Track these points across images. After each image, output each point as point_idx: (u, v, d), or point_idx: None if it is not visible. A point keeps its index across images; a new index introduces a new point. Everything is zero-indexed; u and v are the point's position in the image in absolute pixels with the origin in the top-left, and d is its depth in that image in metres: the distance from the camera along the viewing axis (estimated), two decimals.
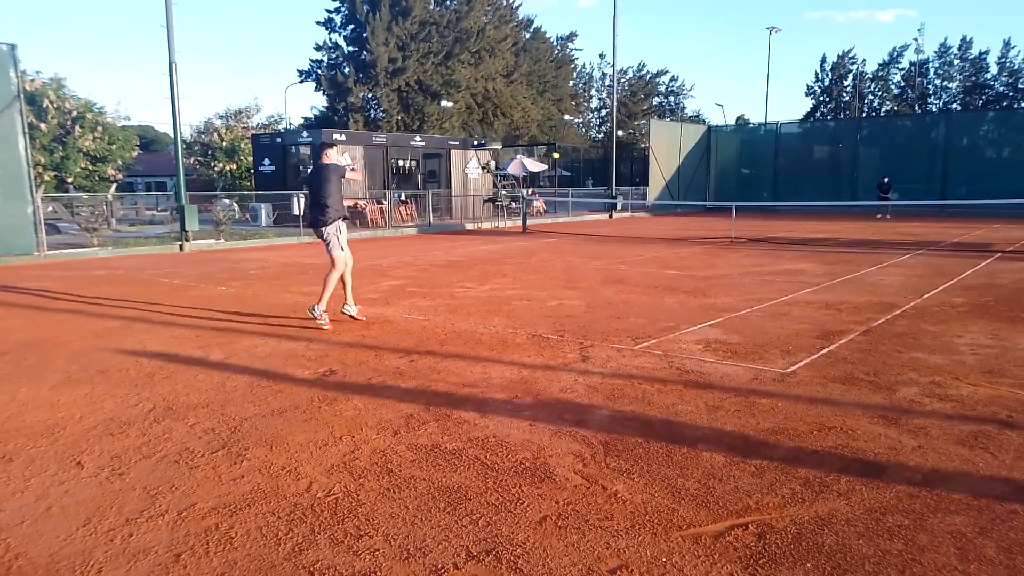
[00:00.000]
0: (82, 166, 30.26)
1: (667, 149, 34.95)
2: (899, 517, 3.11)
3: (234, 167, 36.11)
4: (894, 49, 59.04)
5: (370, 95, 41.59)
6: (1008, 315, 7.62)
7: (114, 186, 31.29)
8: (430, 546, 2.90)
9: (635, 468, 3.67)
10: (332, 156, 7.57)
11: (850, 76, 58.25)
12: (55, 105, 28.93)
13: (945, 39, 60.96)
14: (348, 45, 42.07)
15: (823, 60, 59.34)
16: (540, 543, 2.92)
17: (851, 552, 2.82)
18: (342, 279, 7.50)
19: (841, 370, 5.45)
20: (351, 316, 7.57)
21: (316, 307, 7.29)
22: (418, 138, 26.85)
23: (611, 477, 3.57)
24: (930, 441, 4.00)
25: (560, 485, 3.48)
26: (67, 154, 29.49)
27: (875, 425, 4.26)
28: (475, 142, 28.30)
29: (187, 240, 16.53)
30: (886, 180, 27.03)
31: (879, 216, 27.03)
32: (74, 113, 29.80)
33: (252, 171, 28.46)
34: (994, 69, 53.64)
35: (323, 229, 7.33)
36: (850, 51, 59.43)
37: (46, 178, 28.38)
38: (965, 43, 54.45)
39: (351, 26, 41.65)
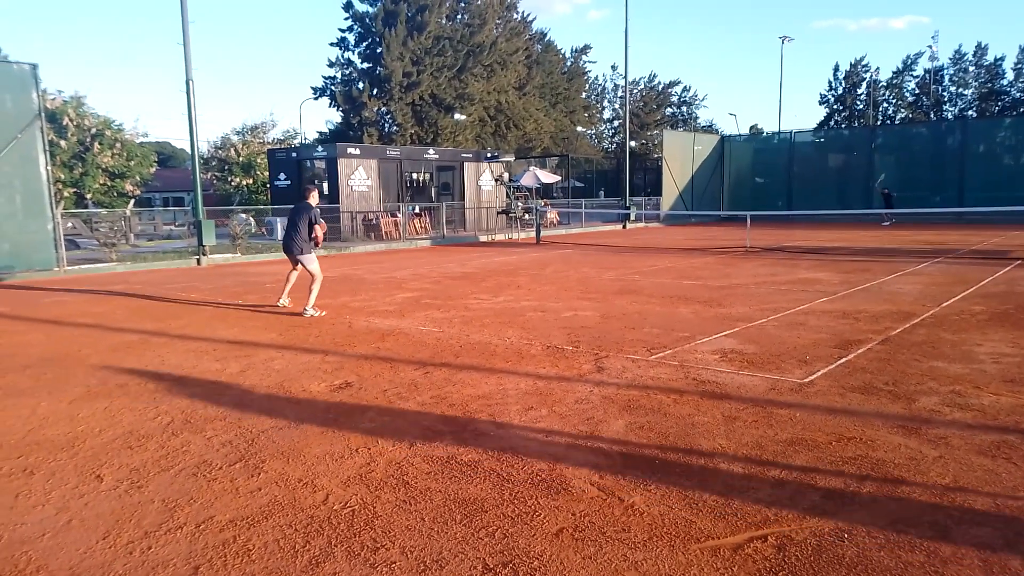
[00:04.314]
0: (101, 182, 30.65)
1: (680, 159, 34.89)
2: (921, 528, 3.06)
3: (250, 182, 36.44)
4: (908, 56, 58.75)
5: (384, 109, 41.91)
6: None
7: (132, 202, 31.64)
8: (447, 558, 2.90)
9: (652, 480, 3.65)
10: (314, 198, 9.31)
11: (864, 84, 57.96)
12: (75, 123, 29.35)
13: (960, 46, 60.65)
14: (362, 61, 42.45)
15: (836, 68, 58.91)
16: (557, 556, 2.91)
17: (872, 564, 2.79)
18: (288, 278, 9.61)
19: (859, 380, 5.40)
20: (283, 306, 9.46)
21: (308, 308, 8.94)
22: (432, 151, 26.99)
23: (628, 489, 3.55)
24: (951, 451, 3.95)
25: (576, 497, 3.47)
26: (86, 170, 29.89)
27: (895, 435, 4.21)
28: (488, 154, 28.40)
29: (204, 254, 16.67)
30: (888, 191, 27.47)
31: (886, 224, 26.93)
32: (93, 130, 30.22)
33: (268, 185, 28.72)
34: (1010, 75, 53.18)
35: (300, 257, 9.20)
36: (863, 59, 59.23)
37: (66, 194, 28.77)
38: (980, 49, 54.07)
39: (365, 43, 42.04)
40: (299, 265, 9.31)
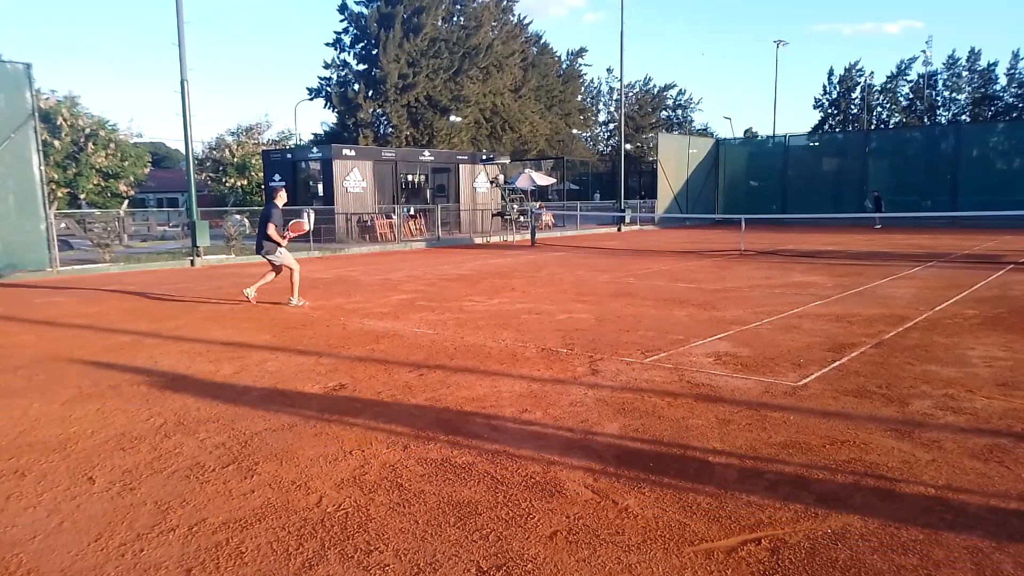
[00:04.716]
0: (95, 182, 30.52)
1: (675, 162, 34.95)
2: (914, 532, 3.07)
3: (245, 183, 36.37)
4: (902, 61, 58.91)
5: (380, 111, 41.86)
6: (1022, 327, 7.55)
7: (126, 202, 31.55)
8: (440, 561, 2.89)
9: (646, 482, 3.65)
10: (279, 199, 10.01)
11: (858, 88, 58.18)
12: (69, 123, 29.22)
13: (953, 51, 61.02)
14: (357, 63, 42.39)
15: (831, 73, 59.07)
16: (551, 558, 2.90)
17: (865, 567, 2.79)
18: (263, 275, 10.10)
19: (853, 383, 5.42)
20: (246, 296, 9.86)
21: (292, 299, 9.70)
22: (427, 153, 26.98)
23: (622, 491, 3.55)
24: (944, 455, 3.96)
25: (570, 500, 3.46)
26: (80, 171, 29.77)
27: (888, 439, 4.22)
28: (483, 156, 28.41)
29: (198, 255, 16.63)
30: (876, 193, 28.58)
31: (877, 226, 27.51)
32: (87, 130, 30.10)
33: (263, 187, 28.66)
34: (1003, 80, 53.44)
35: (267, 256, 9.85)
36: (857, 63, 59.38)
37: (59, 194, 28.65)
38: (973, 54, 54.32)
39: (360, 44, 42.00)
40: (274, 264, 9.93)
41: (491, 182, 27.61)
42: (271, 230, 9.63)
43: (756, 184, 37.86)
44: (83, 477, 3.84)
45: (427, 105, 41.95)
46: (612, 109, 65.68)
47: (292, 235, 9.93)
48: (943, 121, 53.33)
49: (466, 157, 27.51)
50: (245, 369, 6.19)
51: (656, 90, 65.23)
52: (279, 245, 9.73)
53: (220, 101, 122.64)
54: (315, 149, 25.88)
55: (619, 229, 29.59)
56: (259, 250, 9.87)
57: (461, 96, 42.41)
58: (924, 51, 68.43)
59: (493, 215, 27.06)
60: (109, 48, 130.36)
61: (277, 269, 10.00)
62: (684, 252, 18.39)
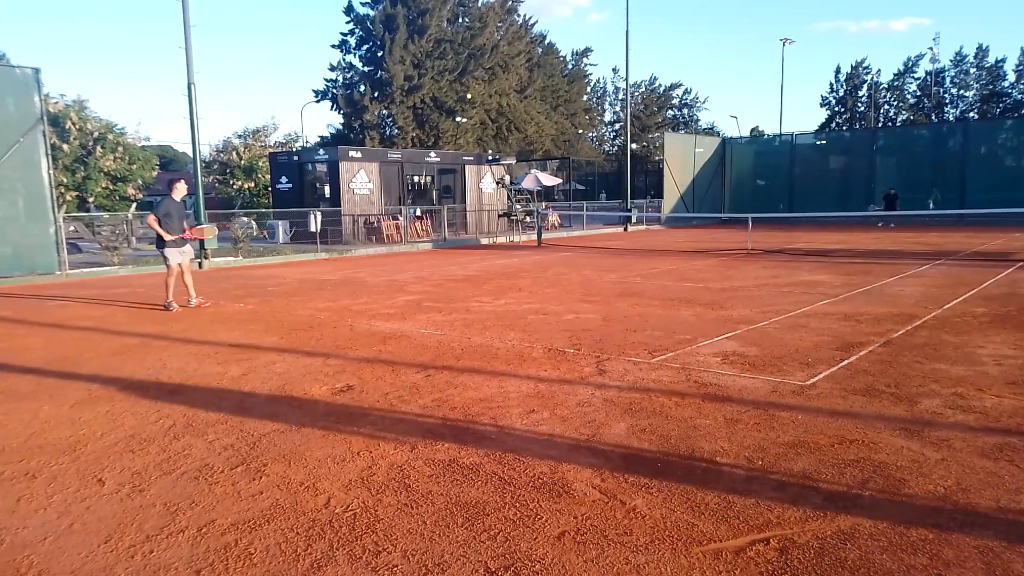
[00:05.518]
0: (103, 186, 30.71)
1: (681, 162, 34.89)
2: (923, 531, 3.06)
3: (252, 185, 36.50)
4: (909, 58, 58.80)
5: (386, 113, 41.95)
6: None
7: (134, 205, 31.71)
8: (448, 562, 2.89)
9: (654, 482, 3.65)
10: (176, 192, 9.94)
11: (865, 86, 57.97)
12: (77, 126, 29.41)
13: (961, 47, 60.69)
14: (363, 65, 42.51)
15: (837, 70, 58.90)
16: (559, 559, 2.90)
17: (875, 567, 2.78)
18: (183, 280, 9.93)
19: (861, 382, 5.40)
20: (195, 305, 9.95)
21: (166, 300, 9.74)
22: (433, 154, 27.00)
23: (629, 492, 3.55)
24: (954, 454, 3.94)
25: (578, 500, 3.46)
26: (88, 174, 29.95)
27: (897, 438, 4.21)
28: (489, 157, 28.41)
29: (205, 258, 16.69)
30: (892, 192, 28.06)
31: (880, 224, 27.41)
32: (95, 134, 30.28)
33: (269, 189, 28.77)
34: (1011, 77, 53.21)
35: (161, 250, 9.80)
36: (864, 61, 59.22)
37: (68, 198, 28.83)
38: (981, 51, 54.11)
39: (366, 46, 42.12)
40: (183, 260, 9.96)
41: (497, 183, 27.61)
42: (150, 220, 9.64)
43: (763, 183, 37.75)
44: (93, 479, 3.86)
45: (433, 106, 42.03)
46: (618, 109, 65.68)
47: (189, 236, 10.05)
48: (951, 118, 53.07)
49: (472, 158, 27.52)
50: (253, 371, 6.21)
51: (662, 89, 65.19)
52: (164, 241, 9.63)
53: (226, 103, 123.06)
54: (321, 151, 25.95)
55: (625, 229, 29.55)
56: (160, 247, 9.87)
57: (466, 97, 42.46)
58: (931, 48, 68.15)
59: (499, 216, 27.06)
60: (115, 51, 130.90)
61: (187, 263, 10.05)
62: (691, 251, 18.35)
